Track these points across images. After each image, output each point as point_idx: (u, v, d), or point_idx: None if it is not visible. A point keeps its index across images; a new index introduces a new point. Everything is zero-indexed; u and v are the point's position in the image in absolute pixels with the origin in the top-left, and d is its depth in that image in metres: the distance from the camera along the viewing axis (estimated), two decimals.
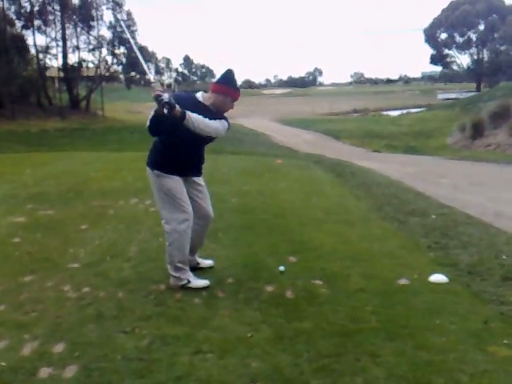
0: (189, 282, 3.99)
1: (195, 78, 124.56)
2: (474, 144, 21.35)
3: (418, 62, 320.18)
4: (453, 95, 62.68)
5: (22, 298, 3.85)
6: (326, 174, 10.98)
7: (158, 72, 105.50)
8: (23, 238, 5.48)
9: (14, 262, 4.70)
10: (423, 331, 3.27)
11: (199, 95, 4.01)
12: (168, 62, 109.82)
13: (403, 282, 4.16)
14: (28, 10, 32.00)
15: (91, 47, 35.22)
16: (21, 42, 31.86)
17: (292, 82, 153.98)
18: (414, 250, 5.12)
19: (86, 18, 33.87)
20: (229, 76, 3.98)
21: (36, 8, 32.32)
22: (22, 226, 6.05)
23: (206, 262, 4.48)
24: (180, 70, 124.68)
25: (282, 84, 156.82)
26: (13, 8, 31.73)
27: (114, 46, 35.66)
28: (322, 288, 4.02)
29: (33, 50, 33.04)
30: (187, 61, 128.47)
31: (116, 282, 4.16)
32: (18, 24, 32.59)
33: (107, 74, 36.94)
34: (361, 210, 7.08)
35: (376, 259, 4.75)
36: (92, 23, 34.57)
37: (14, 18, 32.10)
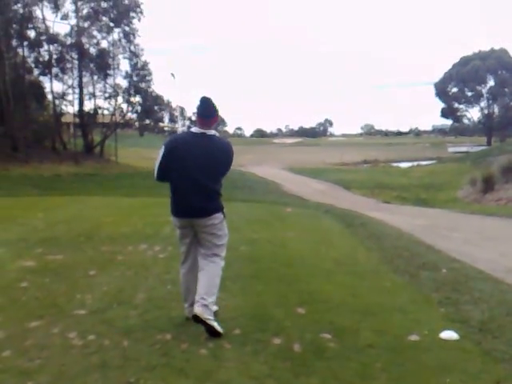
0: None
1: None
2: (484, 198, 21.26)
3: (428, 114, 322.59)
4: (463, 148, 62.98)
5: (27, 344, 3.81)
6: (336, 224, 10.94)
7: (173, 120, 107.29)
8: (31, 283, 5.48)
9: (21, 307, 4.68)
10: None
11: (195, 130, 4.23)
12: (182, 110, 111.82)
13: (414, 337, 4.08)
14: (46, 58, 32.92)
15: (107, 95, 36.00)
16: (38, 88, 32.68)
17: (303, 132, 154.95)
18: (424, 304, 5.04)
19: (102, 66, 34.75)
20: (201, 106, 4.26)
21: (54, 56, 33.25)
22: (30, 270, 6.05)
23: None
24: (193, 118, 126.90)
25: (293, 134, 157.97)
26: (32, 56, 32.72)
27: (129, 94, 36.41)
28: (330, 342, 3.95)
29: (49, 96, 33.87)
30: None
31: (122, 330, 4.12)
32: (36, 71, 33.54)
33: (122, 122, 37.59)
34: (371, 261, 7.02)
35: (386, 313, 4.68)
36: (108, 72, 35.45)
37: (33, 65, 33.05)
